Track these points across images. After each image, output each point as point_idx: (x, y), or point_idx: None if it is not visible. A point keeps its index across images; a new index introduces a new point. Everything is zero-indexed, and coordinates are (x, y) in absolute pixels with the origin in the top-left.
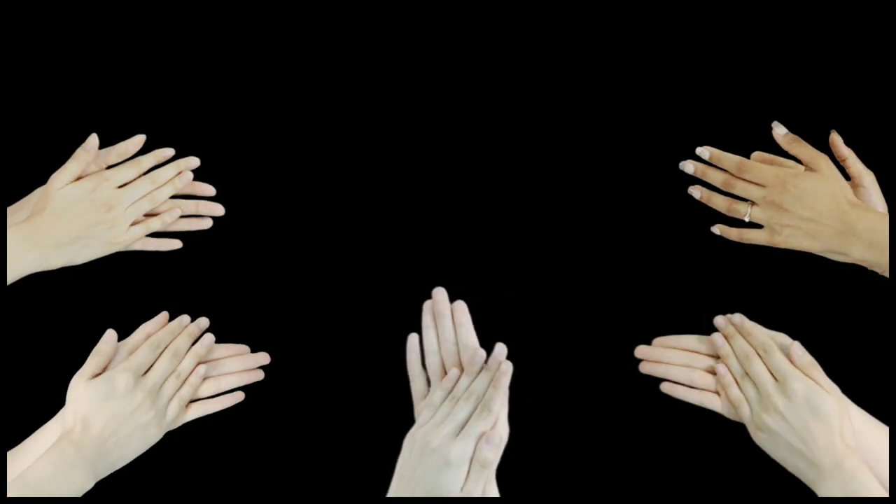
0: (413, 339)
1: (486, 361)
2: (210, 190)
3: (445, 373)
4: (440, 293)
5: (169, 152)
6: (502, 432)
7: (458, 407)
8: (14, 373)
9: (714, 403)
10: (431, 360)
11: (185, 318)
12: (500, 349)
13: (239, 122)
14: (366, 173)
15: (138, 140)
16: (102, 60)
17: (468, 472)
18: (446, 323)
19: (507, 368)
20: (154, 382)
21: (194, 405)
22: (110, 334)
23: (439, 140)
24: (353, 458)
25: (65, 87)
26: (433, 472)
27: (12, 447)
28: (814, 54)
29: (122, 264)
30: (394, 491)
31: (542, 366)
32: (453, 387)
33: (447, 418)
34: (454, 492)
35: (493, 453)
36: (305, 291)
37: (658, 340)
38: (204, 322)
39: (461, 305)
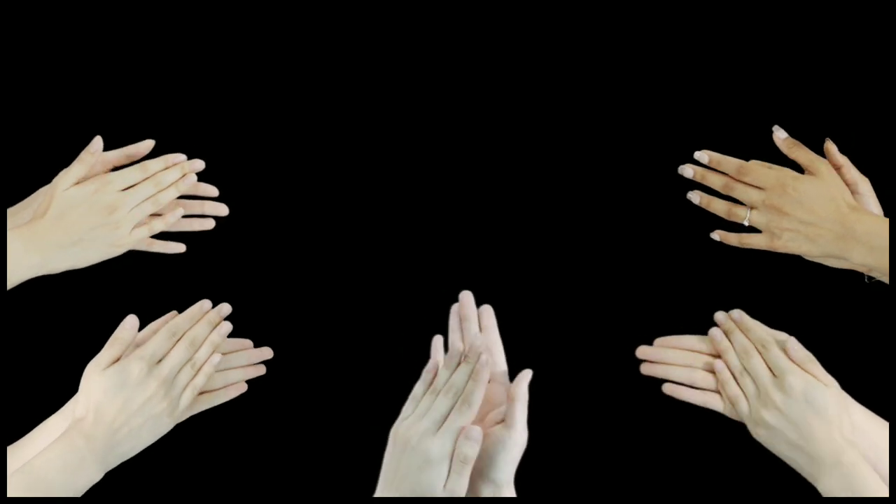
0: (438, 340)
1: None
2: (213, 191)
3: None
4: (467, 296)
5: (179, 157)
6: (521, 438)
7: (438, 401)
8: (16, 375)
9: (716, 404)
10: None
11: (206, 303)
12: (479, 339)
13: (243, 124)
14: (368, 174)
15: (147, 145)
16: (106, 62)
17: (449, 468)
18: (472, 326)
19: (486, 360)
20: (169, 371)
21: (201, 397)
22: (131, 321)
23: (441, 144)
24: (354, 458)
25: (68, 90)
26: (415, 470)
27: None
28: (813, 58)
29: (125, 264)
30: (381, 487)
31: (544, 367)
32: (433, 379)
33: (427, 413)
34: (437, 489)
35: (473, 449)
36: (308, 290)
37: (659, 341)
38: (226, 309)
39: (488, 309)
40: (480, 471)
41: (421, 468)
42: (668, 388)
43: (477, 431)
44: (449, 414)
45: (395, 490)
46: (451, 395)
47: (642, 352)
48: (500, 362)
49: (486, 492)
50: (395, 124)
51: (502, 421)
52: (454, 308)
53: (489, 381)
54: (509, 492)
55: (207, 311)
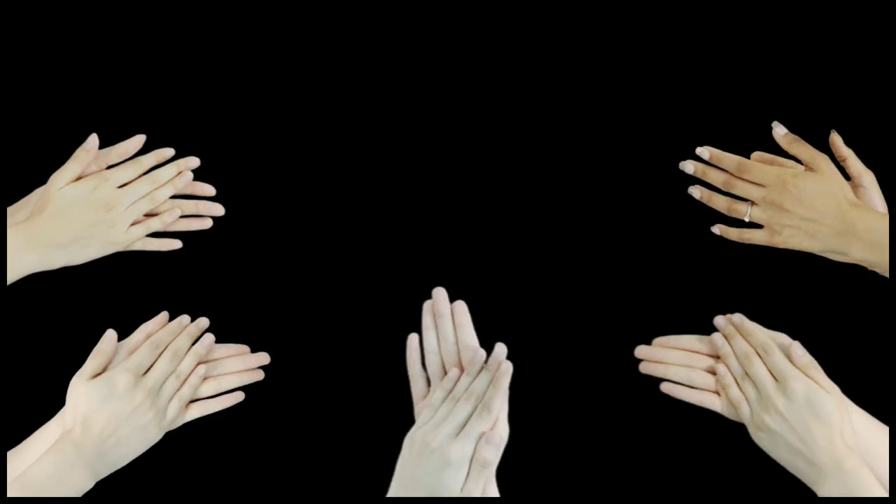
0: (413, 339)
1: (486, 361)
2: (210, 190)
3: (445, 373)
4: (440, 293)
5: (169, 152)
6: (502, 432)
7: (458, 407)
8: (14, 373)
9: (714, 403)
10: (431, 360)
11: (185, 318)
12: (500, 349)
13: (239, 122)
14: (365, 174)
15: (138, 140)
16: (102, 60)
17: (468, 472)
18: (446, 323)
19: (508, 368)
20: (154, 382)
21: (194, 405)
22: (110, 334)
23: (439, 141)
24: (354, 459)
25: (64, 87)
26: (433, 473)
27: (12, 448)
28: (813, 54)
29: (121, 264)
30: (394, 491)
31: (543, 366)
32: (453, 387)
33: (447, 418)
34: (454, 492)
35: (494, 453)
36: (305, 291)
37: (658, 340)
38: (204, 322)
39: (461, 305)
40: None
41: (440, 471)
42: (665, 387)
43: (499, 437)
44: (468, 420)
45: (409, 493)
46: (471, 402)
47: (641, 351)
48: (478, 357)
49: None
50: (391, 123)
51: None
52: (426, 305)
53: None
54: (490, 488)
55: (186, 326)
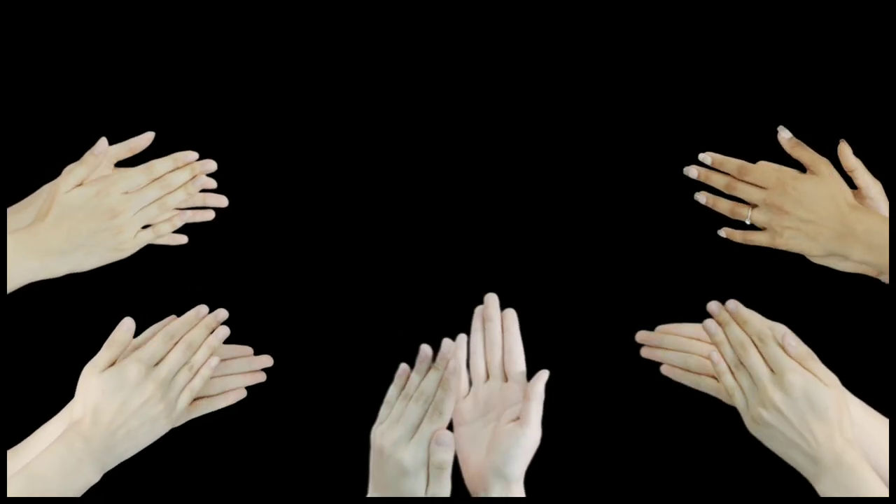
0: (462, 339)
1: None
2: (211, 184)
3: (487, 376)
4: (492, 298)
5: (190, 156)
6: (535, 436)
7: (410, 409)
8: (15, 376)
9: (709, 386)
10: (475, 362)
11: (203, 308)
12: (448, 346)
13: (246, 122)
14: (370, 175)
15: (147, 137)
16: (108, 61)
17: (428, 475)
18: (494, 327)
19: (455, 368)
20: (166, 373)
21: (200, 402)
22: (127, 323)
23: (445, 140)
24: (355, 460)
25: (69, 88)
26: (394, 478)
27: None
28: (818, 59)
29: (125, 265)
30: (371, 490)
31: (546, 364)
32: (405, 383)
33: (400, 420)
34: (419, 495)
35: (447, 454)
36: (309, 293)
37: (661, 328)
38: (222, 314)
39: (511, 313)
40: (493, 465)
41: (398, 477)
42: (665, 369)
43: (448, 436)
44: (422, 422)
45: (382, 492)
46: (421, 403)
47: (642, 336)
48: (520, 363)
49: (497, 487)
50: (396, 126)
51: (517, 419)
52: (478, 310)
53: (506, 381)
54: (518, 488)
55: (204, 316)
